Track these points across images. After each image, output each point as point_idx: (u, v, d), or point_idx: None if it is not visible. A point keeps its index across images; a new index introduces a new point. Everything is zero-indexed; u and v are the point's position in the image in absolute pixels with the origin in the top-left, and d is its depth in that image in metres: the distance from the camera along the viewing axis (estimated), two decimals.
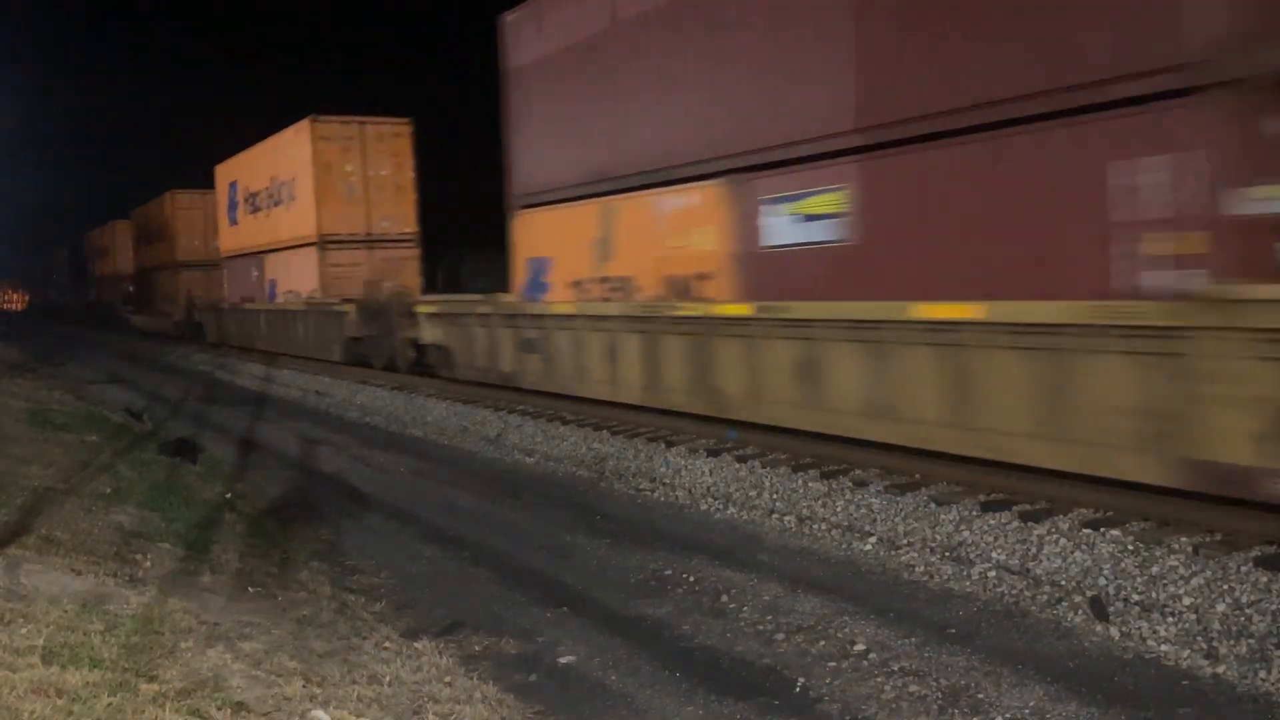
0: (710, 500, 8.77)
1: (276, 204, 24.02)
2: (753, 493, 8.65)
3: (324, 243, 21.41)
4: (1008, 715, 4.62)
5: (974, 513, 7.27)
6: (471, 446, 12.37)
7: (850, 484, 8.37)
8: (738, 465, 9.38)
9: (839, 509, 7.91)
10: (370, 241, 21.77)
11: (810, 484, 8.52)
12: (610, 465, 10.27)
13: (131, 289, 42.29)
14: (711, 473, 9.33)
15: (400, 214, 21.94)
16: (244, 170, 26.83)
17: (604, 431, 11.50)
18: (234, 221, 28.01)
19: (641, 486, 9.50)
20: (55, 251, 67.35)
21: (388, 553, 7.73)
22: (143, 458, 10.72)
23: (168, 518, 7.79)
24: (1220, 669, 5.00)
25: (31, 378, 19.22)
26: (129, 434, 12.70)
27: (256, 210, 25.78)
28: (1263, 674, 4.87)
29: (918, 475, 8.29)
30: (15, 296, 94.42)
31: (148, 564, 6.26)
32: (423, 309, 16.47)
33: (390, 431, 14.08)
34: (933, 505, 7.57)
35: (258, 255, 25.75)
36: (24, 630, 4.32)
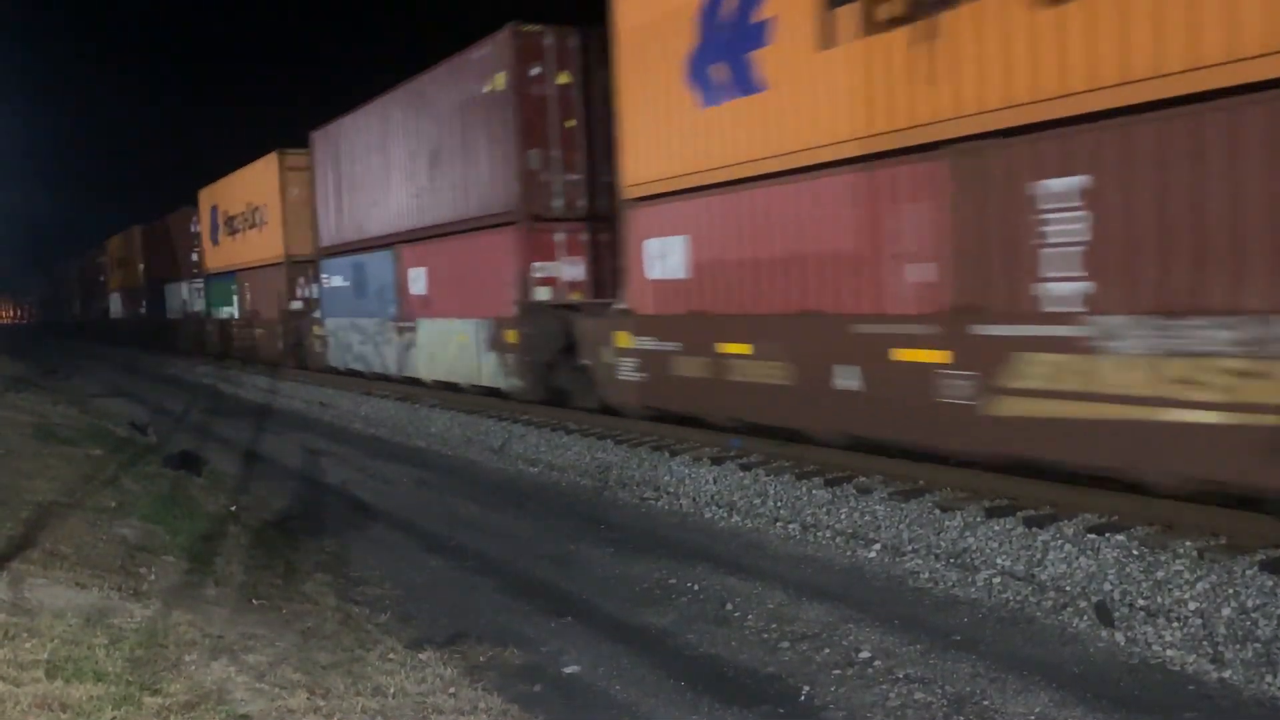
0: (714, 508, 8.77)
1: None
2: (756, 500, 8.64)
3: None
4: None
5: (978, 519, 7.25)
6: (475, 457, 12.38)
7: (854, 491, 8.35)
8: (741, 473, 9.37)
9: (843, 516, 7.90)
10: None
11: (814, 491, 8.51)
12: (614, 474, 10.27)
13: None
14: (715, 481, 9.32)
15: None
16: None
17: (608, 441, 11.48)
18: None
19: (645, 495, 9.50)
20: (55, 271, 69.11)
21: (392, 564, 7.73)
22: (147, 471, 10.73)
23: (172, 531, 7.80)
24: (1226, 673, 4.99)
25: (36, 391, 19.25)
26: (133, 447, 12.71)
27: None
28: (1269, 678, 4.85)
29: (921, 481, 8.27)
30: (22, 310, 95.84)
31: (152, 577, 6.27)
32: None
33: (394, 442, 14.09)
34: (937, 511, 7.55)
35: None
36: (28, 645, 4.33)
